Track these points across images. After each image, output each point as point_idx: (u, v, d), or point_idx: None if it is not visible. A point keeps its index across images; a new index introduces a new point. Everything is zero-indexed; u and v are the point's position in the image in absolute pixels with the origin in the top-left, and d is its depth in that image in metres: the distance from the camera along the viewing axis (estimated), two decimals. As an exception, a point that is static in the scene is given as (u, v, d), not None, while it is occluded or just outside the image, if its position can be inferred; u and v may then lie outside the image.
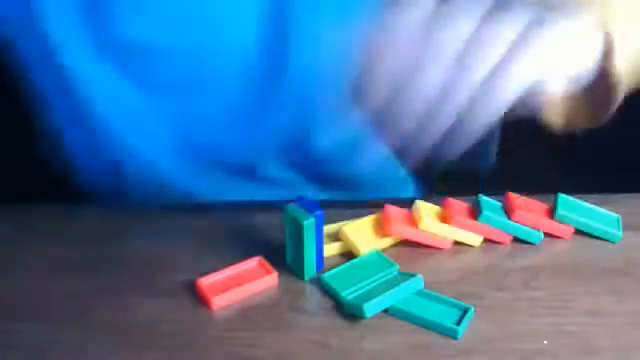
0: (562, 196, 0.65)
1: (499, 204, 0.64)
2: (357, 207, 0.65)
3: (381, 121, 0.57)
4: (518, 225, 0.62)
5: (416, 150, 0.56)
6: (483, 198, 0.63)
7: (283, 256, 0.60)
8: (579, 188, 0.66)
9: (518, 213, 0.62)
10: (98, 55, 0.70)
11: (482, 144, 0.83)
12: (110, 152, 0.75)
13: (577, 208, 0.64)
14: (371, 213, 0.64)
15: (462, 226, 0.62)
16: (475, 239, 0.62)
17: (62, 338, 0.53)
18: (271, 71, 0.72)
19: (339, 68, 0.71)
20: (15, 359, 0.52)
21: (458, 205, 0.63)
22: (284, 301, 0.57)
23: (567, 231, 0.63)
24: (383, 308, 0.54)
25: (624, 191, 0.69)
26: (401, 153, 0.61)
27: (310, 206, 0.57)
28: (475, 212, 0.62)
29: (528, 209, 0.63)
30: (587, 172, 0.73)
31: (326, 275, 0.58)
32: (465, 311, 0.54)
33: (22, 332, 0.54)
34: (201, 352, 0.52)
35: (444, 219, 0.62)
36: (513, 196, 0.64)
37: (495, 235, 0.62)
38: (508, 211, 0.63)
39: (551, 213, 0.63)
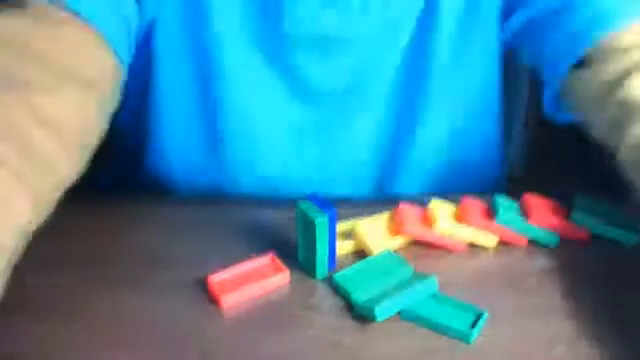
0: (580, 197, 0.64)
1: (516, 205, 0.63)
2: (370, 205, 0.64)
3: None
4: (534, 227, 0.61)
5: None
6: (500, 198, 0.62)
7: (295, 253, 0.59)
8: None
9: (535, 214, 0.61)
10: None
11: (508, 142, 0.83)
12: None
13: (595, 210, 0.63)
14: (385, 211, 0.63)
15: (477, 227, 0.61)
16: (490, 240, 0.61)
17: (67, 335, 0.52)
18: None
19: None
20: (15, 356, 0.51)
21: (474, 205, 0.62)
22: (295, 300, 0.56)
23: (584, 234, 0.62)
24: (395, 311, 0.53)
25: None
26: None
27: (323, 204, 0.56)
28: (491, 213, 0.61)
29: (545, 210, 0.62)
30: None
31: (338, 275, 0.57)
32: (479, 315, 0.53)
33: (23, 329, 0.53)
34: (211, 350, 0.51)
35: (459, 219, 0.61)
36: (530, 197, 0.63)
37: (511, 237, 0.61)
38: (525, 212, 0.62)
39: (568, 215, 0.62)
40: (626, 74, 0.60)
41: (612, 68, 0.61)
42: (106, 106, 0.59)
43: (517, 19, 0.71)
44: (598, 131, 0.63)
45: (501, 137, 0.79)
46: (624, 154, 0.57)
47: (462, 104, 0.73)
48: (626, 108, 0.58)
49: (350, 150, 0.73)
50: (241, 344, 0.52)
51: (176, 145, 0.73)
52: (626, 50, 0.61)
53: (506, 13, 0.72)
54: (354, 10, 0.67)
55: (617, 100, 0.59)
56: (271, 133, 0.72)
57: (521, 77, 0.85)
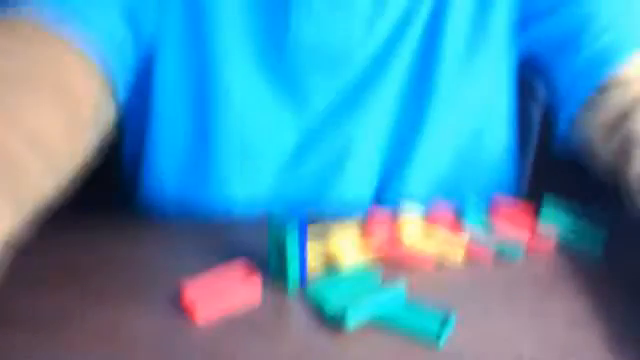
0: (546, 206, 0.65)
1: (483, 214, 0.64)
2: (343, 215, 0.66)
3: None
4: (501, 237, 0.63)
5: None
6: (467, 208, 0.64)
7: (267, 265, 0.60)
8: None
9: (501, 224, 0.63)
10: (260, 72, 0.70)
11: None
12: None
13: (561, 219, 0.65)
14: (356, 221, 0.64)
15: (445, 240, 0.62)
16: (458, 253, 0.63)
17: (44, 346, 0.53)
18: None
19: None
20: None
21: (441, 217, 0.63)
22: (267, 310, 0.57)
23: (550, 242, 0.64)
24: (365, 318, 0.54)
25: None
26: None
27: (294, 215, 0.57)
28: (459, 223, 0.63)
29: (511, 220, 0.64)
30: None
31: (309, 286, 0.58)
32: (446, 319, 0.54)
33: (9, 339, 0.53)
34: (184, 361, 0.52)
35: (428, 232, 0.62)
36: (498, 206, 0.65)
37: (478, 247, 0.63)
38: (492, 221, 0.63)
39: (535, 224, 0.64)
40: (632, 106, 0.62)
41: (617, 102, 0.63)
42: (86, 117, 0.59)
43: (529, 37, 0.72)
44: (604, 162, 0.64)
45: (515, 154, 0.78)
46: (632, 182, 0.59)
47: (467, 127, 0.73)
48: (633, 137, 0.60)
49: (350, 166, 0.73)
50: (215, 355, 0.52)
51: (171, 162, 0.73)
52: (630, 83, 0.63)
53: (520, 26, 0.73)
54: (359, 27, 0.69)
55: (623, 131, 0.61)
56: (268, 149, 0.72)
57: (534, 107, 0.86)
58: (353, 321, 0.54)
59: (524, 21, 0.72)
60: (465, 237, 0.62)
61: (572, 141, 0.69)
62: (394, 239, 0.62)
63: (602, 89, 0.65)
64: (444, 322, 0.54)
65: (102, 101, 0.62)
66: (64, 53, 0.59)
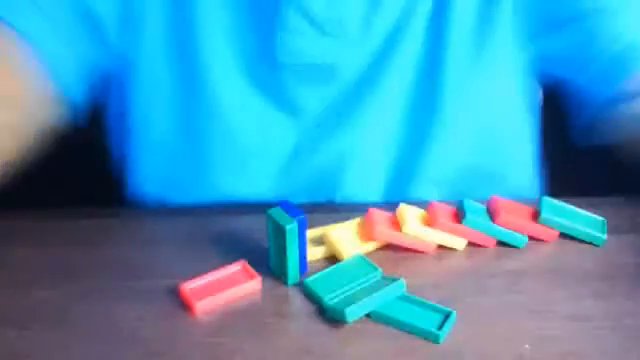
0: (546, 199, 0.65)
1: (483, 207, 0.64)
2: (341, 211, 0.65)
3: None
4: (502, 228, 0.62)
5: None
6: (467, 201, 0.63)
7: (267, 260, 0.60)
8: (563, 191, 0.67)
9: (502, 216, 0.62)
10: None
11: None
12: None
13: (562, 211, 0.64)
14: (355, 217, 0.64)
15: (446, 229, 0.62)
16: (459, 242, 0.62)
17: (44, 344, 0.53)
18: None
19: None
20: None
21: (442, 209, 0.63)
22: (267, 306, 0.56)
23: (551, 234, 0.63)
24: (365, 313, 0.54)
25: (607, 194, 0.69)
26: None
27: (293, 210, 0.57)
28: (459, 215, 0.62)
29: (512, 212, 0.63)
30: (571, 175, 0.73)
31: (309, 280, 0.57)
32: (447, 315, 0.54)
33: (7, 337, 0.53)
34: (183, 358, 0.52)
35: (428, 222, 0.62)
36: (497, 199, 0.64)
37: (479, 238, 0.62)
38: (492, 214, 0.63)
39: (536, 216, 0.63)
40: None
41: None
42: (29, 119, 0.60)
43: (541, 45, 0.70)
44: (633, 150, 0.64)
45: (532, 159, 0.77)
46: None
47: (478, 125, 0.71)
48: None
49: (354, 167, 0.72)
50: (215, 350, 0.52)
51: (156, 166, 0.73)
52: None
53: (532, 35, 0.71)
54: (348, 39, 0.67)
55: None
56: (264, 151, 0.71)
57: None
58: (352, 316, 0.53)
59: (536, 31, 0.70)
60: (467, 226, 0.62)
61: (591, 137, 0.68)
62: (394, 228, 0.62)
63: (622, 92, 0.64)
64: (445, 319, 0.53)
65: (47, 105, 0.62)
66: (13, 55, 0.59)
